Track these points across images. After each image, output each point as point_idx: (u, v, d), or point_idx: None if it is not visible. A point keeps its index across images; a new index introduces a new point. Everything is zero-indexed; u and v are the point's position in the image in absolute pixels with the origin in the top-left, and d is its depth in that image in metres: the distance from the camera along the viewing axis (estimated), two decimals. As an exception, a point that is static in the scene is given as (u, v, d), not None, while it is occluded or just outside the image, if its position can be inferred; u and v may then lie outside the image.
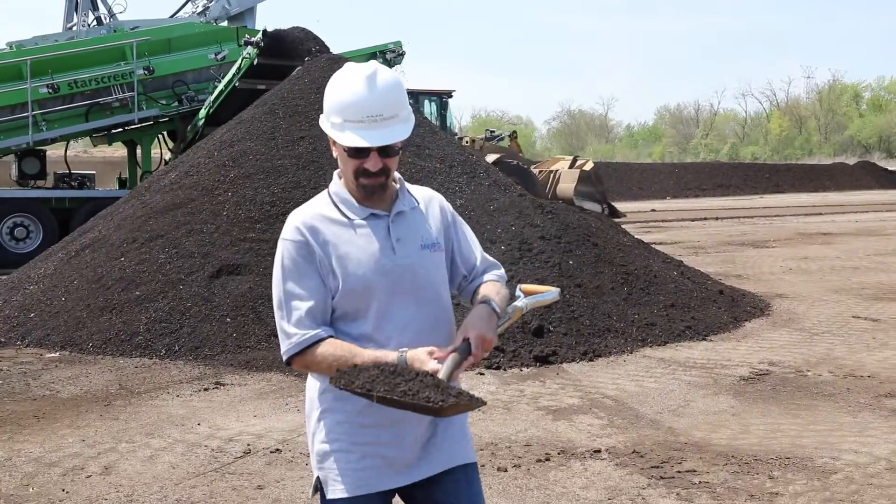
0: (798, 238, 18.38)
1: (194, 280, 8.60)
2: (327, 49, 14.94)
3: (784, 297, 10.54)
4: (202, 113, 16.46)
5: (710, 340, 8.30)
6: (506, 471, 4.88)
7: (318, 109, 10.74)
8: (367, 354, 2.15)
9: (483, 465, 4.88)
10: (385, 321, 2.28)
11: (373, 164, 2.24)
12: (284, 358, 2.28)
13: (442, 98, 26.59)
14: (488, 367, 7.08)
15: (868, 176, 46.21)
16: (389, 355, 2.15)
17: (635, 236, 10.88)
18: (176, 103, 17.31)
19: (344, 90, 2.22)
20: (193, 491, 4.60)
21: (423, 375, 2.00)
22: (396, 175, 2.38)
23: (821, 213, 26.16)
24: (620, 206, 26.44)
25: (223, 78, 16.10)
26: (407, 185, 2.44)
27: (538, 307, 2.94)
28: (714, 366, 7.29)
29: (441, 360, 2.11)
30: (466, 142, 26.08)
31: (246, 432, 5.57)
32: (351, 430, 2.30)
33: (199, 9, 19.29)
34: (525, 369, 7.15)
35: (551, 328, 7.76)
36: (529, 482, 4.73)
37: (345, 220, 2.31)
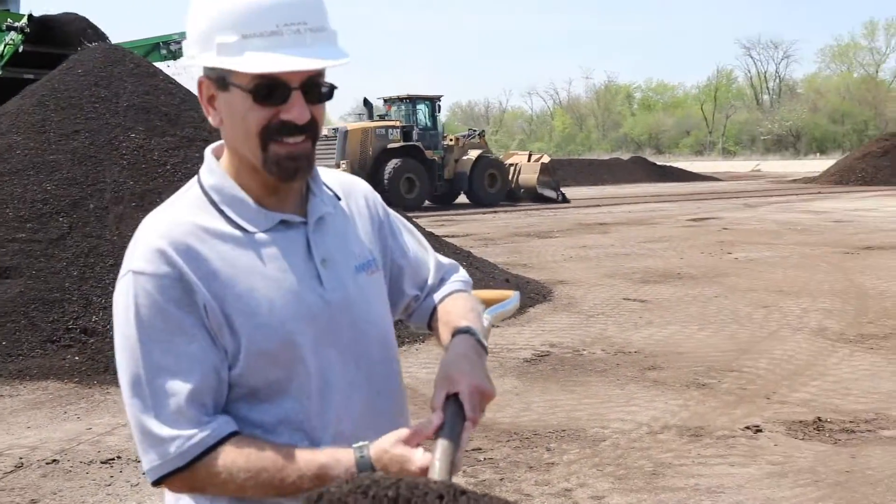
0: (578, 228, 19.31)
1: (-41, 285, 7.95)
2: (105, 37, 14.07)
3: (565, 284, 11.09)
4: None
5: (497, 326, 8.54)
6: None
7: (95, 102, 9.99)
8: (304, 460, 1.32)
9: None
10: (318, 396, 1.41)
11: (299, 111, 1.33)
12: (153, 477, 1.33)
13: (434, 102, 28.28)
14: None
15: (640, 170, 49.38)
16: (341, 456, 1.32)
17: (427, 229, 11.13)
18: None
19: None
20: (-42, 512, 4.28)
21: (448, 499, 1.06)
22: None
23: (598, 205, 27.69)
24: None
25: (-17, 66, 14.85)
26: (318, 169, 1.52)
27: (503, 319, 2.07)
28: (500, 350, 7.53)
29: (420, 445, 1.32)
30: (451, 140, 28.42)
31: (18, 445, 5.20)
32: None
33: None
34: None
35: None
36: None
37: (239, 234, 1.39)
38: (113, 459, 4.84)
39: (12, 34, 14.02)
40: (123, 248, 1.43)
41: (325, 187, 1.52)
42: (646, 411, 5.63)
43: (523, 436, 5.23)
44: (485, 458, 4.87)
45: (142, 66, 10.33)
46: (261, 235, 1.40)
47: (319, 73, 1.35)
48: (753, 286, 10.56)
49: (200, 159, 1.49)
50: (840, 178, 38.36)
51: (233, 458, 1.31)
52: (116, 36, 14.87)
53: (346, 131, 25.73)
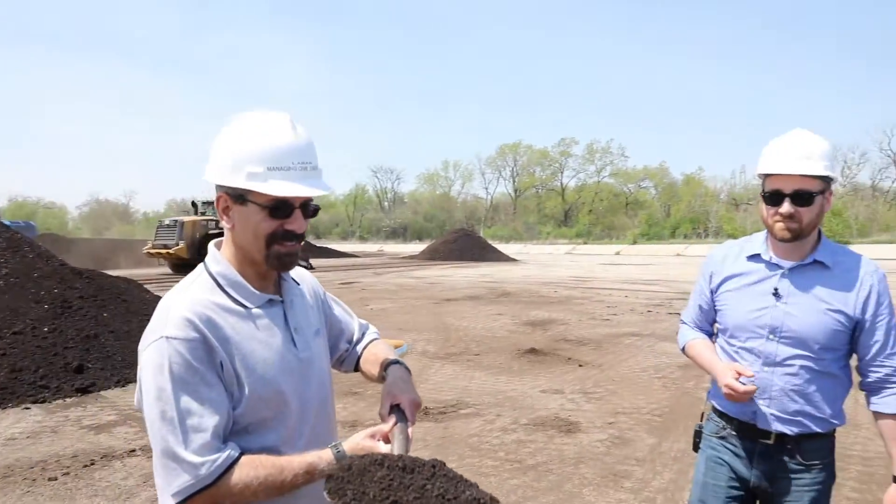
0: None
1: None
2: None
3: None
4: None
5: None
6: (56, 479, 4.25)
7: None
8: (296, 462, 1.29)
9: (34, 480, 4.20)
10: (295, 427, 1.40)
11: (299, 224, 1.35)
12: (183, 496, 1.24)
13: None
14: (34, 402, 6.02)
15: (305, 250, 49.04)
16: (322, 454, 1.31)
17: (155, 293, 10.21)
18: None
19: (266, 134, 1.31)
20: None
21: (437, 467, 1.14)
22: None
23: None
24: (138, 273, 24.21)
25: None
26: None
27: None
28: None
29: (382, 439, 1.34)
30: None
31: None
32: None
33: None
34: (68, 399, 6.22)
35: (89, 365, 6.91)
36: (78, 483, 4.20)
37: (241, 309, 1.36)
38: None
39: None
40: None
41: (290, 276, 1.51)
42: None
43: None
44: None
45: None
46: (255, 310, 1.37)
47: (311, 198, 1.36)
48: (383, 326, 10.75)
49: None
50: (430, 255, 40.12)
51: (245, 471, 1.26)
52: None
53: (183, 222, 24.26)
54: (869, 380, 1.94)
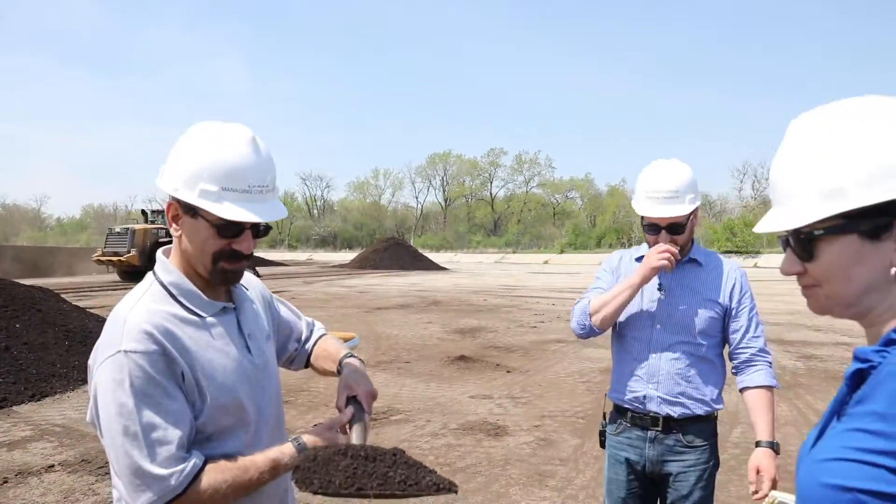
0: None
1: None
2: None
3: None
4: None
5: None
6: (-33, 498, 4.06)
7: None
8: (259, 460, 1.29)
9: (-57, 499, 4.00)
10: (254, 431, 1.39)
11: (247, 245, 1.33)
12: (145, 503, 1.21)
13: None
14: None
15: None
16: (283, 448, 1.32)
17: (73, 303, 9.75)
18: None
19: (224, 152, 1.26)
20: None
21: (398, 455, 1.20)
22: None
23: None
24: (53, 281, 22.90)
25: None
26: None
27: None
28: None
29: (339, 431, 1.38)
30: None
31: None
32: None
33: None
34: (-24, 416, 5.90)
35: (0, 380, 6.55)
36: (-9, 502, 4.03)
37: (196, 318, 1.33)
38: None
39: None
40: None
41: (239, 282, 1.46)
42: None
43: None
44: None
45: None
46: (210, 319, 1.35)
47: None
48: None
49: None
50: (361, 264, 39.72)
51: (213, 476, 1.24)
52: None
53: (134, 230, 24.88)
54: (737, 361, 2.25)
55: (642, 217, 2.21)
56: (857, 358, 0.86)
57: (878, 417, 0.78)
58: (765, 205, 64.68)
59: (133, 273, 23.93)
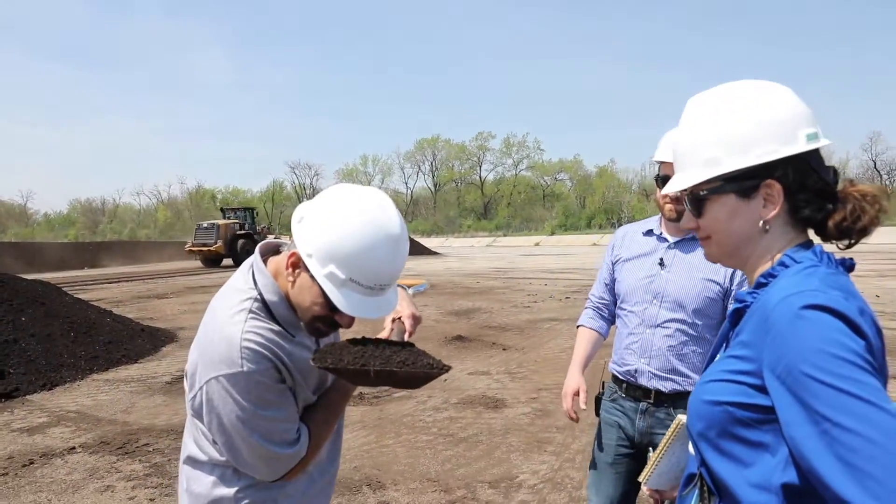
0: (186, 290, 18.14)
1: None
2: None
3: (185, 329, 10.50)
4: None
5: (140, 362, 8.01)
6: (-4, 479, 4.28)
7: None
8: (331, 394, 1.55)
9: (-29, 481, 4.21)
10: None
11: (348, 322, 1.41)
12: (277, 475, 1.46)
13: (252, 210, 33.75)
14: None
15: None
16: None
17: (75, 295, 9.90)
18: None
19: (368, 252, 1.29)
20: None
21: (406, 346, 1.38)
22: None
23: (199, 274, 26.18)
24: (47, 276, 22.84)
25: None
26: None
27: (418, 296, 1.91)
28: (146, 378, 7.12)
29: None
30: (260, 228, 32.38)
31: None
32: None
33: None
34: (-8, 405, 6.08)
35: (11, 371, 6.74)
36: (20, 482, 4.21)
37: (291, 336, 1.46)
38: None
39: None
40: None
41: None
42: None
43: (178, 431, 5.18)
44: (153, 449, 4.74)
45: None
46: (300, 338, 1.46)
47: None
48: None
49: None
50: None
51: (315, 428, 1.48)
52: None
53: (219, 225, 30.26)
54: None
55: (657, 173, 2.17)
56: (736, 299, 1.07)
57: (743, 345, 0.98)
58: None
59: (214, 259, 29.98)
